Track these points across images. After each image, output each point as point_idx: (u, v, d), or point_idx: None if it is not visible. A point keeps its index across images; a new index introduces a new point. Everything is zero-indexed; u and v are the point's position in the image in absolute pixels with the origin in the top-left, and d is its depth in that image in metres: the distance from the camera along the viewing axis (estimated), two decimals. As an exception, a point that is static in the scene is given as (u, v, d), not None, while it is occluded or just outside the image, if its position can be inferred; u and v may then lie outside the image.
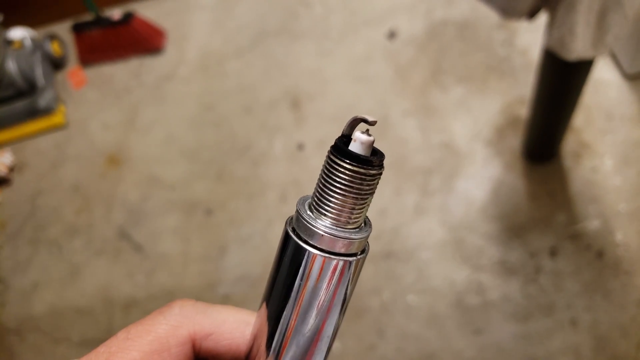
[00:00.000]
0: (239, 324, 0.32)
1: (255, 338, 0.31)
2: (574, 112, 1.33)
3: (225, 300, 1.58)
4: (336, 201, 0.27)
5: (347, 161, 0.26)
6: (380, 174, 0.27)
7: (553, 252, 1.39)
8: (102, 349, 0.29)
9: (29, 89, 2.18)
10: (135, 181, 1.92)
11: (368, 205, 0.28)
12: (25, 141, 2.19)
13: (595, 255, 1.36)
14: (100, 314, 1.68)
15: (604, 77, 1.60)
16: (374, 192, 0.27)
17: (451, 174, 1.59)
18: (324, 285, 0.27)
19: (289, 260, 0.28)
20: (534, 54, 1.64)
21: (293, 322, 0.28)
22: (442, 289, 1.43)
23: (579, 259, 1.37)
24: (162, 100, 2.11)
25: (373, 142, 0.26)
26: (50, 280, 1.79)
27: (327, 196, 0.27)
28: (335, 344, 1.42)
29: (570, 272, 1.36)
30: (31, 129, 2.18)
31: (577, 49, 0.87)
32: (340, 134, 0.27)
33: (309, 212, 0.27)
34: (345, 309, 0.30)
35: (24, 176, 2.09)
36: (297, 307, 0.28)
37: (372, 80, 1.88)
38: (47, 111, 2.17)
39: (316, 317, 0.28)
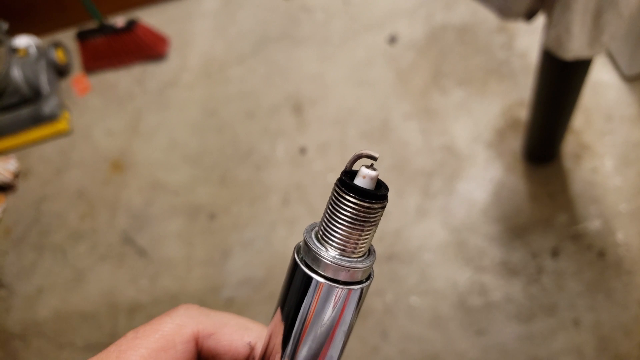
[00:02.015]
0: (239, 328, 0.34)
1: (266, 349, 0.32)
2: (574, 113, 1.34)
3: (229, 303, 1.59)
4: (342, 233, 0.28)
5: (354, 195, 0.27)
6: (385, 206, 0.28)
7: (555, 253, 1.40)
8: (112, 348, 0.31)
9: (34, 96, 2.20)
10: (139, 186, 1.93)
11: (372, 235, 0.29)
12: (30, 148, 2.20)
13: (597, 255, 1.37)
14: (104, 318, 1.68)
15: (603, 78, 1.61)
16: (378, 223, 0.29)
17: (452, 176, 1.60)
18: (329, 311, 0.28)
19: (298, 286, 0.29)
20: (533, 57, 1.65)
21: (299, 347, 0.29)
22: (445, 290, 1.43)
23: (581, 259, 1.37)
24: (165, 107, 2.13)
25: (377, 176, 0.27)
26: (55, 285, 1.80)
27: (333, 227, 0.28)
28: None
29: (572, 273, 1.36)
30: (36, 135, 2.20)
31: (574, 48, 0.88)
32: (343, 169, 0.28)
33: (316, 243, 0.29)
34: (349, 333, 0.31)
35: (28, 182, 2.11)
36: (304, 331, 0.29)
37: (373, 85, 1.90)
38: (51, 118, 2.19)
39: (321, 341, 0.29)
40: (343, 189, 0.27)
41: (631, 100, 1.56)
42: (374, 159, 0.27)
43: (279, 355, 0.30)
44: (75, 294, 1.76)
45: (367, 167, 0.27)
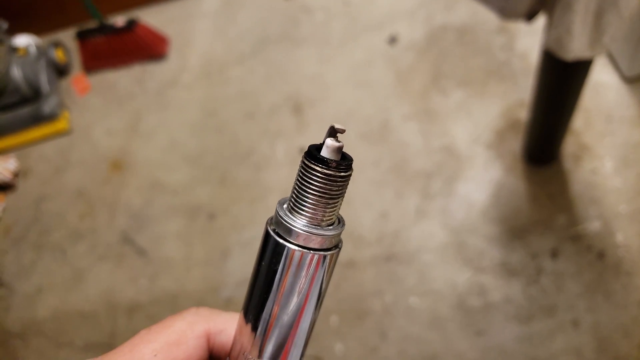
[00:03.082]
0: None
1: (238, 334, 0.33)
2: (574, 114, 1.34)
3: (228, 303, 1.59)
4: (310, 202, 0.29)
5: (318, 164, 0.28)
6: (349, 176, 0.29)
7: (554, 254, 1.40)
8: (125, 344, 0.32)
9: (34, 95, 2.20)
10: (139, 186, 1.93)
11: (339, 205, 0.31)
12: (30, 147, 2.20)
13: (596, 256, 1.37)
14: (103, 318, 1.68)
15: (603, 79, 1.62)
16: (344, 193, 0.30)
17: (452, 177, 1.60)
18: (302, 277, 0.30)
19: (270, 256, 0.30)
20: (533, 58, 1.65)
21: (275, 312, 0.31)
22: (444, 291, 1.43)
23: (580, 260, 1.37)
24: (165, 107, 2.13)
25: (341, 147, 0.29)
26: (54, 285, 1.80)
27: (302, 197, 0.29)
28: (338, 346, 1.43)
29: (571, 274, 1.36)
30: (35, 135, 2.20)
31: (575, 48, 0.88)
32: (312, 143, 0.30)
33: (287, 213, 0.30)
34: (322, 301, 0.32)
35: (28, 182, 2.10)
36: (279, 299, 0.30)
37: (373, 86, 1.90)
38: (51, 117, 2.19)
39: (295, 306, 0.31)
40: (308, 158, 0.29)
41: (631, 102, 1.57)
42: (341, 131, 0.28)
43: (254, 331, 0.31)
44: (75, 293, 1.76)
45: (332, 138, 0.29)
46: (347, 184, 0.30)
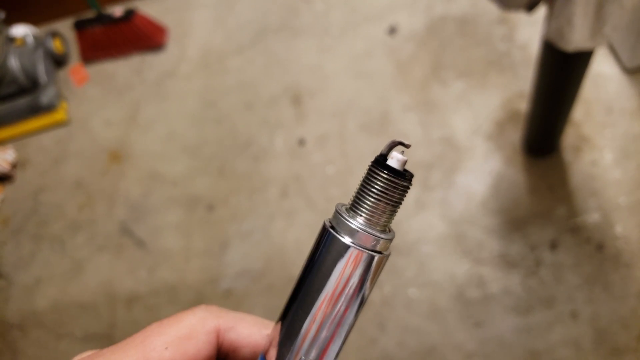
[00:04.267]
0: (256, 322, 0.36)
1: (279, 330, 0.34)
2: (574, 105, 1.33)
3: (227, 294, 1.59)
4: (371, 204, 0.32)
5: (385, 172, 0.32)
6: (409, 188, 0.33)
7: (553, 245, 1.40)
8: (137, 335, 0.33)
9: (31, 86, 2.19)
10: (137, 177, 1.93)
11: (395, 214, 0.33)
12: (28, 138, 2.20)
13: (595, 248, 1.37)
14: (103, 309, 1.69)
15: (604, 71, 1.61)
16: (400, 204, 0.33)
17: (452, 169, 1.60)
18: (356, 275, 0.32)
19: (326, 252, 0.32)
20: (534, 49, 1.64)
21: (323, 308, 0.32)
22: (443, 283, 1.43)
23: (579, 251, 1.37)
24: (164, 97, 2.12)
25: (406, 161, 0.32)
26: (53, 276, 1.80)
27: (365, 201, 0.32)
28: (337, 338, 1.43)
29: (570, 265, 1.36)
30: (33, 125, 2.19)
31: (576, 39, 0.88)
32: (379, 153, 0.33)
33: (348, 213, 0.33)
34: (364, 304, 0.34)
35: (26, 173, 2.10)
36: (328, 295, 0.32)
37: (373, 76, 1.89)
38: (49, 108, 2.18)
39: (343, 305, 0.32)
40: (377, 165, 0.32)
41: (632, 93, 1.56)
42: (407, 146, 0.32)
43: (299, 326, 0.33)
44: (74, 284, 1.76)
45: (399, 152, 0.32)
46: (405, 196, 0.33)
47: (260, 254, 1.64)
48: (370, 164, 0.33)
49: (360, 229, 0.32)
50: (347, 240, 0.31)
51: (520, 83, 1.68)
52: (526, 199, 1.48)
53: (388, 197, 0.32)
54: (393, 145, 0.32)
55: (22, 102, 2.19)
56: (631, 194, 1.41)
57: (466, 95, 1.72)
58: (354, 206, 0.33)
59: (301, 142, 1.81)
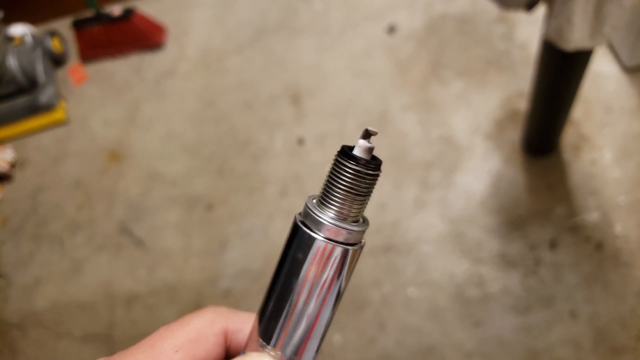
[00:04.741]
0: None
1: (255, 325, 0.34)
2: (573, 104, 1.33)
3: (227, 294, 1.59)
4: (339, 196, 0.31)
5: (351, 161, 0.31)
6: (377, 175, 0.32)
7: (553, 245, 1.40)
8: (146, 339, 0.33)
9: (30, 85, 2.18)
10: (136, 177, 1.92)
11: (366, 203, 0.33)
12: (27, 137, 2.19)
13: (595, 247, 1.37)
14: (102, 308, 1.68)
15: (603, 69, 1.61)
16: (370, 193, 0.32)
17: (451, 168, 1.60)
18: (327, 268, 0.31)
19: (297, 247, 0.32)
20: (533, 48, 1.64)
21: (296, 303, 0.32)
22: (442, 282, 1.43)
23: (579, 251, 1.37)
24: (163, 96, 2.12)
25: (372, 148, 0.31)
26: (52, 276, 1.80)
27: (331, 192, 0.32)
28: (336, 337, 1.43)
29: (569, 264, 1.36)
30: (32, 125, 2.19)
31: (575, 39, 0.87)
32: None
33: (316, 206, 0.32)
34: (341, 298, 0.33)
35: (25, 172, 2.10)
36: (302, 290, 0.32)
37: (372, 75, 1.89)
38: (48, 107, 2.18)
39: (317, 298, 0.32)
40: (341, 155, 0.31)
41: (631, 92, 1.56)
42: (374, 133, 0.31)
43: (274, 321, 0.32)
44: (73, 284, 1.76)
45: (364, 139, 0.31)
46: (375, 184, 0.32)
47: (260, 254, 1.64)
48: (336, 153, 0.32)
49: (330, 222, 0.31)
50: (317, 235, 0.31)
51: (519, 82, 1.68)
52: (525, 198, 1.48)
53: (356, 188, 0.31)
54: (363, 134, 0.31)
55: (21, 101, 2.18)
56: (630, 193, 1.41)
57: (465, 95, 1.72)
58: (323, 199, 0.32)
59: (300, 142, 1.80)
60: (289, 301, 0.32)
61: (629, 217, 1.38)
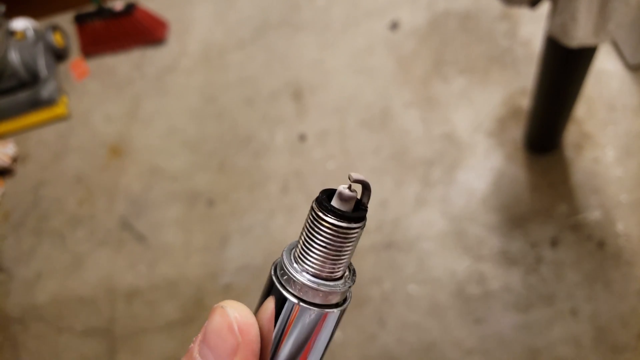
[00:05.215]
0: None
1: None
2: (576, 102, 1.32)
3: (227, 290, 1.59)
4: (319, 255, 0.27)
5: (328, 215, 0.26)
6: (361, 228, 0.27)
7: (554, 243, 1.39)
8: None
9: (32, 79, 2.18)
10: (138, 172, 1.92)
11: (351, 255, 0.28)
12: (28, 132, 2.19)
13: (596, 245, 1.37)
14: (102, 303, 1.69)
15: (607, 67, 1.60)
16: (355, 245, 0.28)
17: (452, 165, 1.59)
18: (303, 332, 0.28)
19: (274, 304, 0.28)
20: (536, 46, 1.63)
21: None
22: (443, 279, 1.43)
23: (580, 249, 1.37)
24: (164, 92, 2.12)
25: (354, 197, 0.27)
26: (54, 270, 1.80)
27: (308, 248, 0.27)
28: (337, 334, 1.43)
29: (571, 263, 1.36)
30: (34, 119, 2.18)
31: (579, 35, 0.87)
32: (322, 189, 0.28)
33: (294, 265, 0.28)
34: (324, 355, 0.30)
35: (26, 167, 2.10)
36: (278, 350, 0.28)
37: (374, 72, 1.88)
38: (49, 102, 2.18)
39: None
40: (318, 207, 0.27)
41: (634, 90, 1.55)
42: (360, 182, 0.27)
43: None
44: (74, 278, 1.76)
45: (346, 187, 0.27)
46: (360, 236, 0.28)
47: (261, 250, 1.64)
48: (313, 202, 0.27)
49: (307, 284, 0.27)
50: (290, 296, 0.27)
51: (522, 79, 1.68)
52: (527, 196, 1.48)
53: (339, 245, 0.27)
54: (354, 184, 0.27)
55: (23, 96, 2.18)
56: (633, 192, 1.41)
57: (468, 92, 1.71)
58: (300, 253, 0.28)
59: (302, 138, 1.80)
60: (272, 355, 0.29)
61: (631, 215, 1.38)
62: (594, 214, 1.40)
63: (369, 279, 1.47)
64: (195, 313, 1.59)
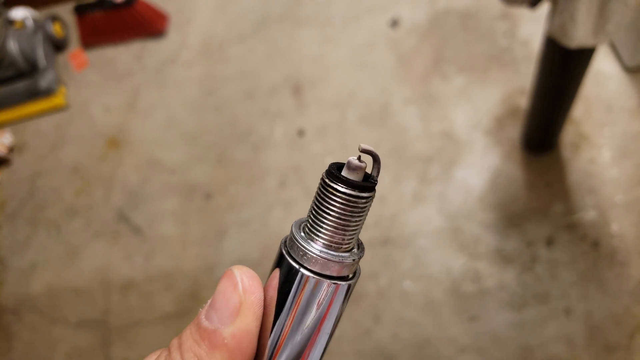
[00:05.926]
0: None
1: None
2: (574, 102, 1.33)
3: (223, 283, 1.59)
4: (328, 225, 0.27)
5: (339, 184, 0.27)
6: (371, 197, 0.27)
7: (549, 242, 1.40)
8: None
9: (30, 69, 2.17)
10: (135, 164, 1.92)
11: (360, 228, 0.28)
12: (26, 122, 2.19)
13: (591, 245, 1.37)
14: (97, 295, 1.69)
15: (604, 69, 1.61)
16: (365, 217, 0.28)
17: (450, 163, 1.60)
18: (315, 305, 0.28)
19: (283, 279, 0.28)
20: (536, 45, 1.64)
21: (284, 338, 0.29)
22: (439, 276, 1.44)
23: (575, 249, 1.38)
24: (164, 84, 2.11)
25: (364, 167, 0.27)
26: (49, 261, 1.80)
27: (320, 220, 0.27)
28: (331, 328, 1.43)
29: (565, 262, 1.37)
30: (32, 109, 2.18)
31: (578, 36, 0.87)
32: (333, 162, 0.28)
33: (302, 235, 0.28)
34: (334, 330, 0.30)
35: (23, 157, 2.09)
36: (288, 325, 0.28)
37: (374, 68, 1.88)
38: (48, 92, 2.17)
39: (305, 335, 0.29)
40: (329, 177, 0.27)
41: (632, 92, 1.56)
42: (368, 152, 0.27)
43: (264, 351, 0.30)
44: (69, 269, 1.76)
45: (355, 158, 0.27)
46: (369, 207, 0.28)
47: (258, 244, 1.64)
48: (323, 174, 0.27)
49: (317, 254, 0.27)
50: (302, 268, 0.27)
51: (521, 79, 1.68)
52: (524, 194, 1.49)
53: (347, 214, 0.27)
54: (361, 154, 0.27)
55: (21, 85, 2.17)
56: (628, 193, 1.42)
57: (467, 90, 1.72)
58: (311, 226, 0.28)
59: (301, 133, 1.80)
60: (275, 335, 0.29)
61: (626, 216, 1.39)
62: (589, 214, 1.41)
63: (365, 274, 1.48)
64: (190, 306, 1.59)
